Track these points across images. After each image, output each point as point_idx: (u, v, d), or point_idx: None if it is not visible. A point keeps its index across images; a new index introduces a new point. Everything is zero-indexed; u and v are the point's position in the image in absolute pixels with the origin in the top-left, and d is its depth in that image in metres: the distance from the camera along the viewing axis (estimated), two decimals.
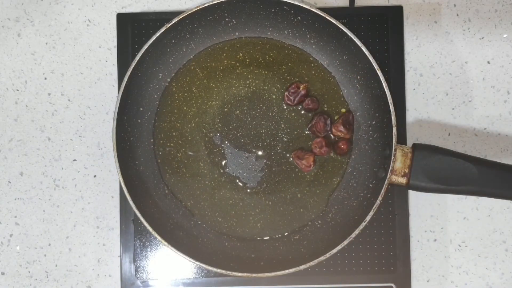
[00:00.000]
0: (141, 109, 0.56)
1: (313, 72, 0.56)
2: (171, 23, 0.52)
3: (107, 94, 0.58)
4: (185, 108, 0.57)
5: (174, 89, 0.57)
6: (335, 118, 0.56)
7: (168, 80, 0.57)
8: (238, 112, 0.57)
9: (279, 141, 0.56)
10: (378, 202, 0.50)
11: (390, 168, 0.49)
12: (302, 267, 0.50)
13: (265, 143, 0.56)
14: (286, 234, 0.56)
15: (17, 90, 0.59)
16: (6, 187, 0.58)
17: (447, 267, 0.57)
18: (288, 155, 0.56)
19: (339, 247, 0.50)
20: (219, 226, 0.56)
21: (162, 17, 0.57)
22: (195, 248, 0.54)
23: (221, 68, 0.57)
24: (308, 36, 0.56)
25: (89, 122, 0.58)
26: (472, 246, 0.57)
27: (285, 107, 0.56)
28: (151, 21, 0.57)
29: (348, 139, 0.55)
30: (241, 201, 0.56)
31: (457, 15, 0.58)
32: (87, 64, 0.59)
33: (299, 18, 0.54)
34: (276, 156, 0.56)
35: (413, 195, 0.56)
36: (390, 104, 0.50)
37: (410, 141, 0.57)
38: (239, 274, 0.51)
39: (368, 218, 0.50)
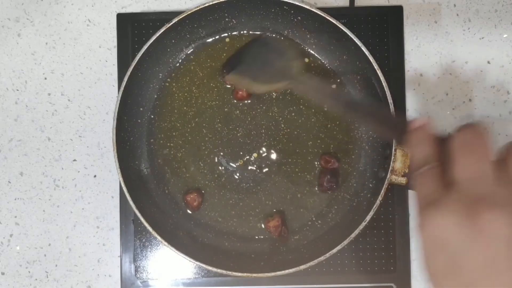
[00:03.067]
0: (141, 109, 0.56)
1: (313, 72, 0.56)
2: (171, 23, 0.52)
3: (107, 94, 0.58)
4: (185, 108, 0.57)
5: (174, 89, 0.57)
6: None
7: (168, 80, 0.57)
8: (238, 112, 0.56)
9: (279, 141, 0.56)
10: (378, 202, 0.50)
11: (390, 168, 0.49)
12: (302, 267, 0.50)
13: (265, 143, 0.56)
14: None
15: (17, 90, 0.59)
16: (6, 187, 0.58)
17: None
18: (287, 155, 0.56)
19: (339, 247, 0.50)
20: (219, 226, 0.56)
21: (162, 17, 0.57)
22: (195, 248, 0.54)
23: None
24: (308, 36, 0.56)
25: (89, 122, 0.58)
26: None
27: (285, 107, 0.56)
28: (151, 21, 0.57)
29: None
30: (241, 201, 0.56)
31: (457, 15, 0.58)
32: (87, 64, 0.59)
33: (299, 18, 0.54)
34: (276, 156, 0.56)
35: (413, 195, 0.56)
36: (390, 104, 0.50)
37: None
38: (239, 274, 0.51)
39: (368, 218, 0.50)
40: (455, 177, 0.30)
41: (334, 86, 0.55)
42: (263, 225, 0.56)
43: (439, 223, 0.28)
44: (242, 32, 0.57)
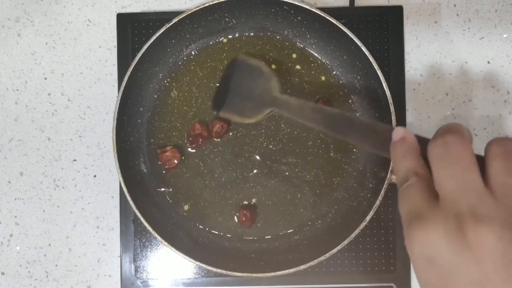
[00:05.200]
0: (141, 109, 0.56)
1: (313, 72, 0.56)
2: (171, 23, 0.52)
3: (107, 94, 0.58)
4: (185, 108, 0.57)
5: (174, 89, 0.57)
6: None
7: (168, 80, 0.57)
8: None
9: (279, 141, 0.56)
10: (378, 202, 0.50)
11: (390, 168, 0.49)
12: (302, 267, 0.50)
13: (265, 143, 0.56)
14: (286, 234, 0.56)
15: (17, 90, 0.59)
16: (6, 187, 0.58)
17: None
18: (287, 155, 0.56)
19: (339, 247, 0.50)
20: (219, 226, 0.56)
21: (162, 17, 0.57)
22: (195, 248, 0.54)
23: (221, 68, 0.57)
24: (308, 36, 0.56)
25: (89, 122, 0.58)
26: None
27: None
28: (151, 21, 0.57)
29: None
30: (241, 201, 0.56)
31: (457, 15, 0.58)
32: (87, 64, 0.59)
33: (299, 18, 0.54)
34: (276, 156, 0.56)
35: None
36: (390, 104, 0.50)
37: None
38: (239, 274, 0.51)
39: (368, 218, 0.50)
40: (438, 189, 0.28)
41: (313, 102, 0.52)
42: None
43: (426, 239, 0.27)
44: (242, 32, 0.57)
